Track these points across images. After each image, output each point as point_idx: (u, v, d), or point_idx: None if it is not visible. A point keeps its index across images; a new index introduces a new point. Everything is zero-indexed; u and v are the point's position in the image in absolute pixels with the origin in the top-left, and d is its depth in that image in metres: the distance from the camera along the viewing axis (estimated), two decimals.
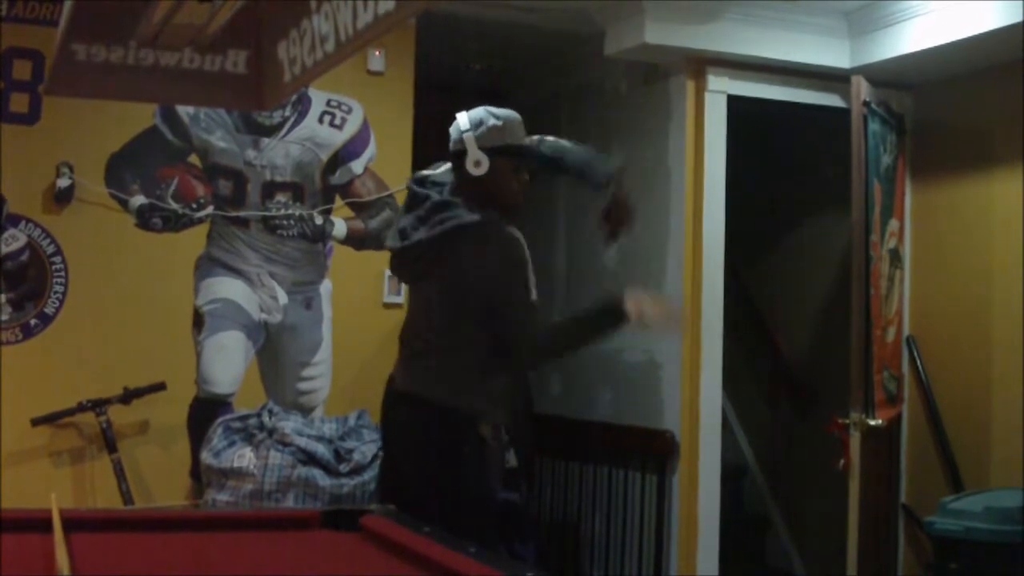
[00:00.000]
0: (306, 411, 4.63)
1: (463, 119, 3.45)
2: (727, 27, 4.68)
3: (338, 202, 4.79)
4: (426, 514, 2.77)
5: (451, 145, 3.46)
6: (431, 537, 2.42)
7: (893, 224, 4.87)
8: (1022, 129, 4.59)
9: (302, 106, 4.74)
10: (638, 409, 4.96)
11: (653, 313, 3.42)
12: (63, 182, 4.38)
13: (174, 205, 4.56)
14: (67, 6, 2.37)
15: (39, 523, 2.45)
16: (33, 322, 4.39)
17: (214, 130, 4.62)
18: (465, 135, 3.40)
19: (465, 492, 3.35)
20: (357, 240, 4.82)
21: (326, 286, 4.77)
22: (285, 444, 4.22)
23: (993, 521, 4.09)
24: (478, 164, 3.38)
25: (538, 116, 5.90)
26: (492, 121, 3.42)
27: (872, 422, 4.40)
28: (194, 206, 4.59)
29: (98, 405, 4.29)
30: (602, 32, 4.83)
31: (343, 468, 4.26)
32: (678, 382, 4.73)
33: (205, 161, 4.62)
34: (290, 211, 4.70)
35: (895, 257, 4.93)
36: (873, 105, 4.62)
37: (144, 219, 4.53)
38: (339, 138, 4.80)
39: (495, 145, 3.40)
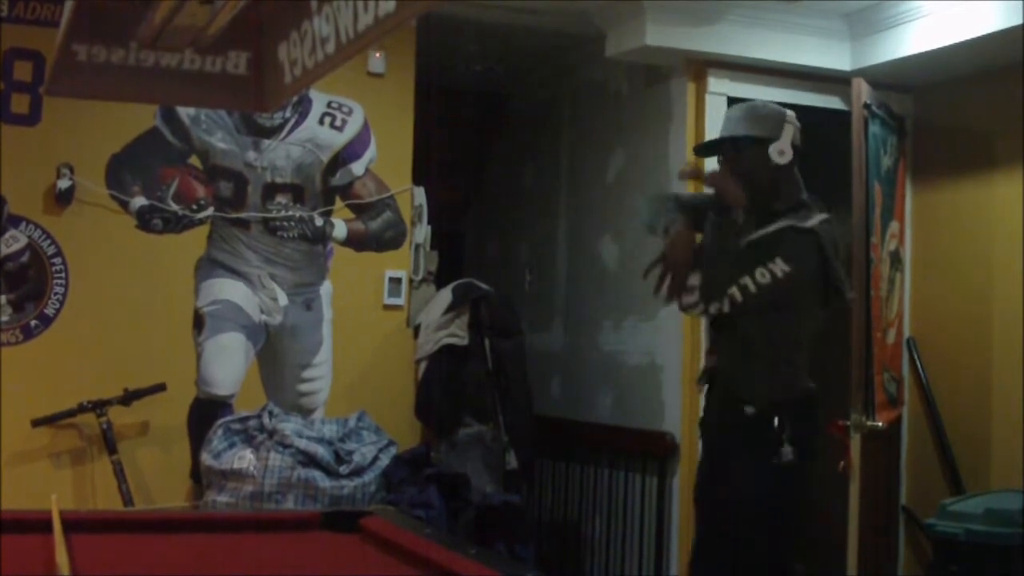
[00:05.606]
0: (306, 413, 4.63)
1: (777, 107, 3.46)
2: (728, 29, 4.68)
3: (339, 204, 4.79)
4: None
5: (750, 129, 3.43)
6: (431, 538, 2.42)
7: (894, 226, 4.87)
8: (1022, 131, 4.59)
9: (303, 108, 4.74)
10: (638, 411, 4.95)
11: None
12: (63, 183, 4.38)
13: (174, 206, 4.57)
14: (68, 7, 2.37)
15: (39, 524, 2.45)
16: (33, 323, 4.39)
17: (215, 131, 4.62)
18: (789, 122, 3.41)
19: None
20: (358, 242, 4.82)
21: (326, 288, 4.77)
22: (285, 446, 4.23)
23: (993, 523, 4.09)
24: (783, 153, 3.39)
25: (539, 118, 5.93)
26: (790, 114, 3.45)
27: (872, 424, 4.40)
28: (194, 207, 4.59)
29: (98, 406, 4.30)
30: (603, 34, 4.83)
31: (343, 470, 4.26)
32: (678, 384, 4.73)
33: (206, 162, 4.63)
34: (290, 213, 4.70)
35: (895, 259, 4.93)
36: (873, 107, 4.61)
37: (144, 220, 4.53)
38: (340, 140, 4.80)
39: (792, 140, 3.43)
